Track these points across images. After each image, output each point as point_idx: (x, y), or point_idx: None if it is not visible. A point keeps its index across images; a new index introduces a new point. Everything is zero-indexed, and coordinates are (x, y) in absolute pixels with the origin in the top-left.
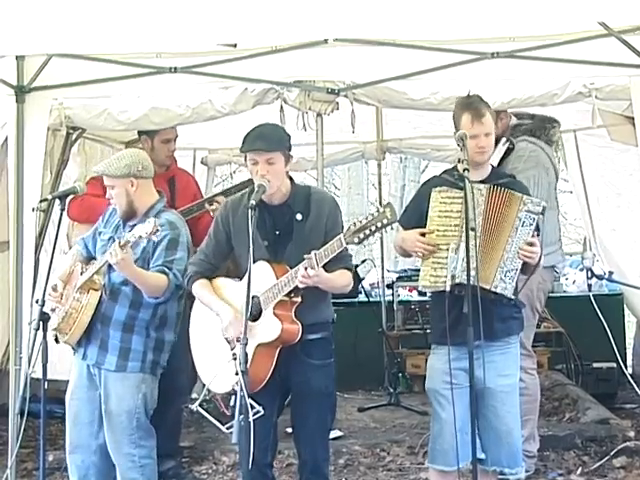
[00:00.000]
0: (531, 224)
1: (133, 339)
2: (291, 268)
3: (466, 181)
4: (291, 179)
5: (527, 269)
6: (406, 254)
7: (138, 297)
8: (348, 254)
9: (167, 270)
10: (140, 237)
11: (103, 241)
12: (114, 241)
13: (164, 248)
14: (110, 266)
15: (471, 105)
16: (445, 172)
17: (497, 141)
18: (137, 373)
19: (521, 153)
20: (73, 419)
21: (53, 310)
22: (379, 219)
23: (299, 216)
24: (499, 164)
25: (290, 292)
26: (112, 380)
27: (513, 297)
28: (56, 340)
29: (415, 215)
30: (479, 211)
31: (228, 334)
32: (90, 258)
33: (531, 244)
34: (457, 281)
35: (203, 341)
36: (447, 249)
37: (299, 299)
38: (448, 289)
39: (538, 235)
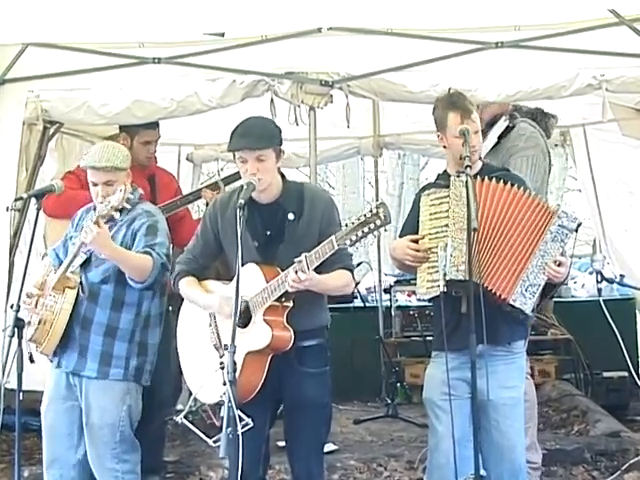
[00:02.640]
0: (562, 240)
1: (115, 345)
2: (282, 271)
3: (468, 179)
4: (283, 176)
5: (549, 287)
6: (405, 268)
7: (120, 296)
8: (347, 253)
9: (150, 250)
10: (112, 207)
11: (75, 245)
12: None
13: (143, 234)
14: (86, 264)
15: (457, 103)
16: (439, 177)
17: (495, 121)
18: (120, 382)
19: (522, 132)
20: (50, 432)
21: (29, 323)
22: (372, 220)
23: (291, 216)
24: (498, 141)
25: (281, 296)
26: (94, 391)
27: (530, 314)
28: (31, 359)
29: (414, 227)
30: (463, 203)
31: (224, 312)
32: None
33: (559, 264)
34: (447, 278)
35: (191, 348)
36: None
37: (290, 304)
38: (442, 289)
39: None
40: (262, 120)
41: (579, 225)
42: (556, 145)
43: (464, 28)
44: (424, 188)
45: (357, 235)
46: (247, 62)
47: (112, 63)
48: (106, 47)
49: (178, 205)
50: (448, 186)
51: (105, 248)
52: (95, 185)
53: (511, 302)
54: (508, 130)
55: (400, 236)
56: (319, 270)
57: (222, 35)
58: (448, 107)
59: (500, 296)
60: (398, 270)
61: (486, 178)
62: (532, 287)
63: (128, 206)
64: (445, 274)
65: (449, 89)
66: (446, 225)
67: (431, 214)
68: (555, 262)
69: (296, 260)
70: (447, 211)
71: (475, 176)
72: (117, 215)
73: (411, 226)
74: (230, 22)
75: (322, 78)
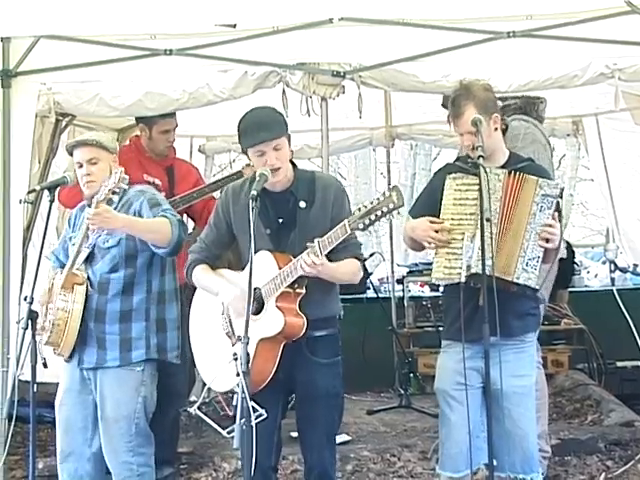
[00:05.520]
0: (549, 208)
1: (132, 327)
2: (294, 258)
3: (480, 169)
4: (293, 164)
5: (548, 256)
6: (417, 247)
7: (130, 279)
8: (356, 242)
9: (162, 213)
10: (110, 190)
11: (75, 245)
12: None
13: (148, 208)
14: (90, 259)
15: (453, 100)
16: (459, 159)
17: None
18: (135, 372)
19: (516, 132)
20: (64, 425)
21: (43, 328)
22: (385, 203)
23: (302, 204)
24: None
25: (293, 283)
26: (109, 384)
27: (538, 287)
28: (44, 365)
29: (427, 205)
30: (496, 197)
31: (233, 307)
32: None
33: (549, 225)
34: (473, 271)
35: (204, 337)
36: (462, 238)
37: (303, 290)
38: (463, 280)
39: (560, 218)
40: (268, 109)
41: (562, 190)
42: (568, 135)
43: (476, 18)
44: (446, 169)
45: (370, 219)
46: (259, 53)
47: (124, 55)
48: (118, 39)
49: (194, 197)
50: (474, 174)
51: (117, 221)
52: (80, 166)
53: (515, 280)
54: (502, 133)
55: (410, 213)
56: (329, 258)
57: (234, 26)
58: (450, 100)
59: (506, 279)
60: (410, 258)
61: (519, 173)
62: (532, 260)
63: (125, 186)
64: (469, 266)
65: (463, 79)
66: (471, 213)
67: (455, 199)
68: (545, 225)
69: (309, 245)
70: (474, 199)
71: (502, 167)
72: (115, 198)
73: (426, 207)
74: (241, 13)
75: (334, 69)
